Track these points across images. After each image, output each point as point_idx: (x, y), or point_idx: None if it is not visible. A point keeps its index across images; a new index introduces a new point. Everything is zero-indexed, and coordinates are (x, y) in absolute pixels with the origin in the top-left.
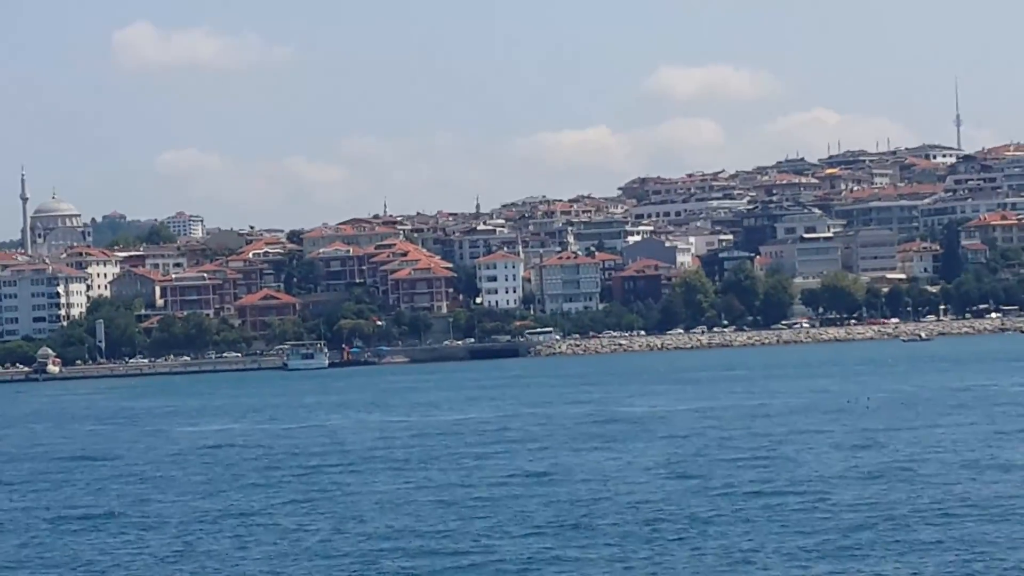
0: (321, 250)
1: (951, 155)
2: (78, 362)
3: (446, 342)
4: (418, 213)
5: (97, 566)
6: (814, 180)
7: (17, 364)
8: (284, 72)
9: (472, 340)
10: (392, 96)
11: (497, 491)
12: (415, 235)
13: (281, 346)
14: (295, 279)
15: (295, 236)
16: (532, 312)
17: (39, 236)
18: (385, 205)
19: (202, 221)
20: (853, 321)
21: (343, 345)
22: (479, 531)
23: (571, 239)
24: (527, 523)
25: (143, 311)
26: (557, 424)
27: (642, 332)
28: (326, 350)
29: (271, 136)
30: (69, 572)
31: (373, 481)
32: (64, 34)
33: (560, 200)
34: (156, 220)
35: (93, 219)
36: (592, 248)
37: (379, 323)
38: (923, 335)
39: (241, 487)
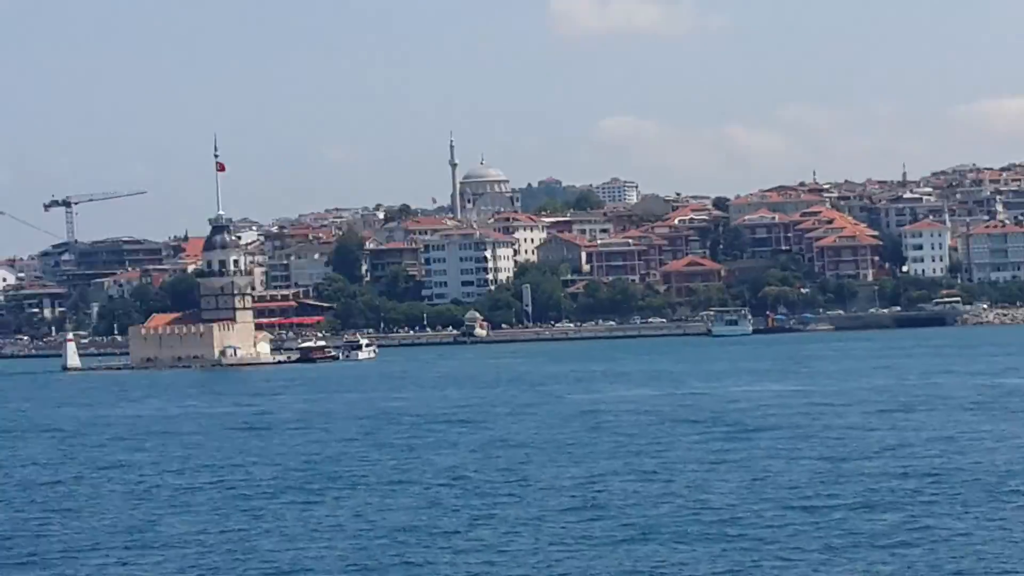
0: (747, 217)
1: None
2: (504, 326)
3: (871, 310)
4: (845, 181)
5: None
6: None
7: (448, 327)
8: (721, 39)
9: (898, 308)
10: (831, 64)
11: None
12: (841, 203)
13: (706, 312)
14: (720, 245)
15: (721, 203)
16: (959, 281)
17: (468, 202)
18: (814, 173)
19: (636, 187)
20: None
21: (767, 312)
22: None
23: (1000, 208)
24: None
25: (569, 276)
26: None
27: None
28: (750, 316)
29: (709, 103)
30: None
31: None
32: (503, 1)
33: (990, 168)
34: (591, 186)
35: (529, 184)
36: (1021, 217)
37: (803, 290)
38: None
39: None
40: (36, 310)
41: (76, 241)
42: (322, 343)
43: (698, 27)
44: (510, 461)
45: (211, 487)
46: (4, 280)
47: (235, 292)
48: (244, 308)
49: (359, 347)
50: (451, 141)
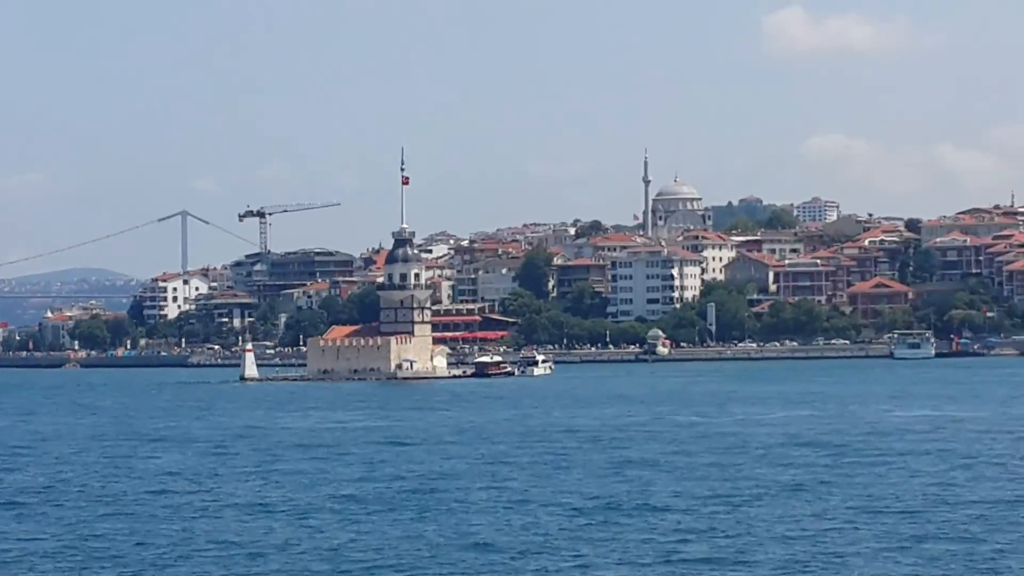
0: (938, 239)
1: None
2: (687, 344)
3: None
4: None
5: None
6: None
7: (630, 345)
8: (935, 57)
9: None
10: None
11: None
12: None
13: (890, 334)
14: (910, 267)
15: (913, 224)
16: None
17: (660, 219)
18: (1012, 195)
19: (837, 207)
20: None
21: (951, 335)
22: None
23: None
24: None
25: (755, 295)
26: None
27: None
28: (933, 340)
29: (920, 121)
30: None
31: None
32: (714, 20)
33: None
34: (792, 205)
35: (729, 202)
36: None
37: (990, 314)
38: None
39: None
40: (226, 320)
41: (269, 251)
42: (498, 358)
43: (912, 45)
44: (630, 481)
45: (282, 500)
46: (197, 289)
47: (414, 306)
48: (423, 322)
49: (535, 363)
50: (645, 158)
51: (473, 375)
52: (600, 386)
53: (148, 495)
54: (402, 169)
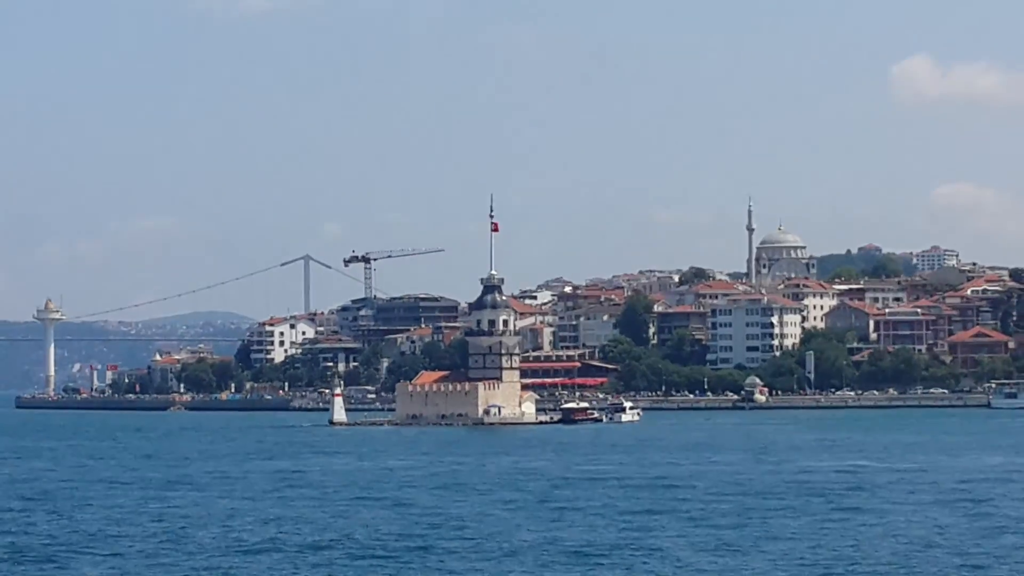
0: None
1: None
2: (784, 392)
3: None
4: None
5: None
6: None
7: (727, 392)
8: None
9: None
10: None
11: None
12: None
13: (988, 384)
14: (1013, 317)
15: (1018, 274)
16: None
17: (763, 267)
18: None
19: (956, 256)
20: None
21: None
22: None
23: None
24: None
25: (855, 344)
26: None
27: None
28: None
29: None
30: None
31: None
32: (843, 65)
33: None
34: (911, 253)
35: (849, 250)
36: None
37: None
38: None
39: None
40: (330, 364)
41: (375, 296)
42: (584, 404)
43: None
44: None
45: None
46: (304, 334)
47: (502, 351)
48: (511, 367)
49: (623, 409)
50: (749, 206)
51: (559, 421)
52: (683, 434)
53: None
54: (491, 216)
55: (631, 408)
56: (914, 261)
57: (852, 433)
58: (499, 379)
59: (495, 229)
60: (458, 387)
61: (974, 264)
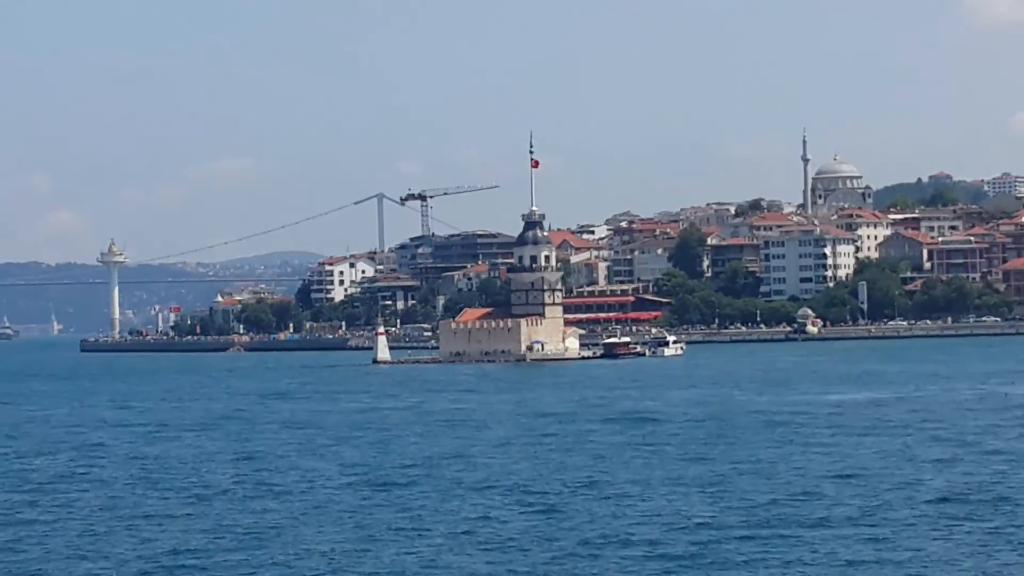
0: None
1: None
2: (836, 323)
3: None
4: None
5: None
6: None
7: (781, 324)
8: None
9: None
10: None
11: None
12: None
13: None
14: None
15: None
16: None
17: (819, 198)
18: None
19: None
20: None
21: None
22: None
23: None
24: None
25: (909, 274)
26: None
27: None
28: None
29: None
30: None
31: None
32: None
33: None
34: (982, 181)
35: (919, 179)
36: None
37: None
38: None
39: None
40: (389, 302)
41: (433, 234)
42: (626, 339)
43: None
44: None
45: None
46: (363, 273)
47: (544, 288)
48: (553, 303)
49: (666, 343)
50: (804, 136)
51: (602, 356)
52: (723, 366)
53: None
54: (531, 152)
55: (674, 342)
56: (984, 188)
57: (886, 365)
58: (542, 315)
59: (535, 165)
60: (501, 324)
61: None
